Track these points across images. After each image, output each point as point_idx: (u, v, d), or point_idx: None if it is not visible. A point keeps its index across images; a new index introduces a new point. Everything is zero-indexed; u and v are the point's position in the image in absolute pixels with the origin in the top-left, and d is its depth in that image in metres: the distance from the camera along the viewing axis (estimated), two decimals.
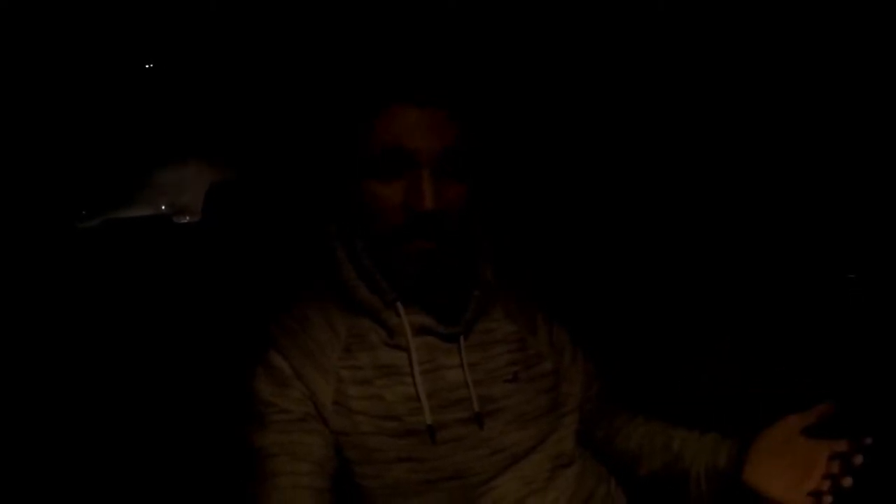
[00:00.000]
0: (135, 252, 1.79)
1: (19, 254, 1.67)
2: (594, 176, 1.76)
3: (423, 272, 0.91)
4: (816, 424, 0.92)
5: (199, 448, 1.29)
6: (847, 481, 0.85)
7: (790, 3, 1.30)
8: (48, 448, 1.45)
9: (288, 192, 1.50)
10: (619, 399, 1.16)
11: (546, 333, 1.07)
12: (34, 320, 1.58)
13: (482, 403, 0.93)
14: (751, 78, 1.53)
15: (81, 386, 1.52)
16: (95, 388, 1.52)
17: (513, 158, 1.63)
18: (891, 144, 1.45)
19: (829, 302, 1.46)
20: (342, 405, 0.89)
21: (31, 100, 1.78)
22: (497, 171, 1.13)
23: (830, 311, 1.45)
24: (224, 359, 1.04)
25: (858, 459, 0.87)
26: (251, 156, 1.89)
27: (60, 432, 1.47)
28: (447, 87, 0.94)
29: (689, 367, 1.56)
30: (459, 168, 0.91)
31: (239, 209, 1.55)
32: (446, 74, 0.96)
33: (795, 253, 1.52)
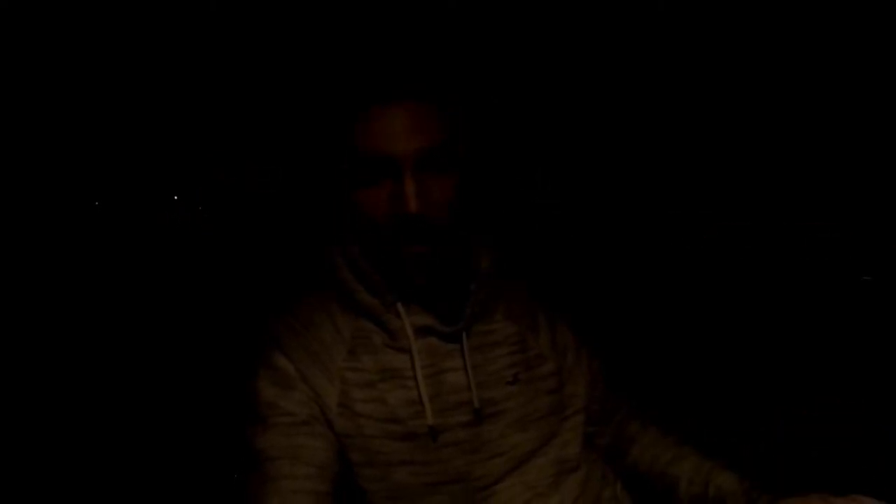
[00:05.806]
0: (140, 254, 1.80)
1: (27, 254, 1.68)
2: (599, 174, 1.74)
3: (419, 275, 0.90)
4: None
5: (201, 448, 1.30)
6: None
7: (800, 2, 1.27)
8: (51, 449, 1.46)
9: (291, 194, 1.50)
10: (628, 403, 1.14)
11: (548, 334, 1.05)
12: (41, 320, 1.59)
13: (483, 406, 0.92)
14: (763, 79, 1.49)
15: (86, 385, 1.54)
16: (100, 387, 1.53)
17: (516, 154, 1.61)
18: None
19: (845, 304, 1.44)
20: (347, 407, 0.89)
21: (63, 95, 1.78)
22: (499, 167, 1.12)
23: (846, 313, 1.43)
24: (227, 358, 1.04)
25: None
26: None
27: (64, 431, 1.48)
28: (425, 79, 0.91)
29: (696, 367, 1.54)
30: (445, 163, 0.89)
31: (242, 210, 1.55)
32: (423, 67, 0.94)
33: (811, 256, 1.49)
